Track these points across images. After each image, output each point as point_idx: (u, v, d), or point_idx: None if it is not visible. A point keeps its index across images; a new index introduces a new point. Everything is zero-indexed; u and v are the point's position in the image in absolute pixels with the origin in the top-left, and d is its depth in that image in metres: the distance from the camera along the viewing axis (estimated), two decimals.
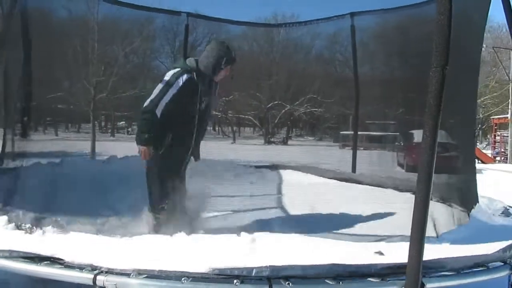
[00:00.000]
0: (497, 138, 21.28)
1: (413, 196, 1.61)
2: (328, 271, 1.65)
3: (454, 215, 2.46)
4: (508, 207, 3.15)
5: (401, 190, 3.66)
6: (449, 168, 2.88)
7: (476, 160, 18.61)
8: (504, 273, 1.92)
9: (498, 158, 20.03)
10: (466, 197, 2.65)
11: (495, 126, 21.46)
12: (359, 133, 6.06)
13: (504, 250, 1.93)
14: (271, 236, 1.94)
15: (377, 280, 1.70)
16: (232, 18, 5.80)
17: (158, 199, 2.63)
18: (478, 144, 30.46)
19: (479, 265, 1.87)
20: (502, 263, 1.95)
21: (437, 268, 1.76)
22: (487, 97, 29.69)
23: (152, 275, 1.60)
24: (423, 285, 1.68)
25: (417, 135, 16.44)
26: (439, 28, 1.60)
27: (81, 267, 1.65)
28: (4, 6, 3.55)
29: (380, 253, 1.86)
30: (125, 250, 1.77)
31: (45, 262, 1.71)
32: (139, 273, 1.61)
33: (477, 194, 2.86)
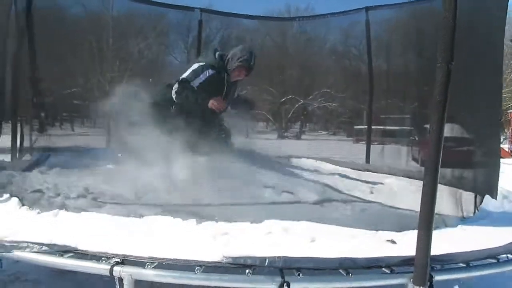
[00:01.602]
0: None
1: None
2: (339, 264, 1.68)
3: (465, 205, 2.46)
4: None
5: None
6: (466, 161, 2.86)
7: None
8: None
9: None
10: (484, 189, 2.63)
11: None
12: (374, 127, 6.08)
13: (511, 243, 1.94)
14: (283, 224, 1.96)
15: (387, 272, 1.72)
16: (245, 11, 5.85)
17: None
18: None
19: (489, 257, 1.88)
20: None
21: (446, 261, 1.78)
22: (505, 90, 29.30)
23: (166, 264, 1.65)
24: (431, 277, 1.71)
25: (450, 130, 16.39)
26: (445, 24, 1.61)
27: (97, 257, 1.70)
28: (18, 4, 3.63)
29: (392, 241, 1.88)
30: (139, 237, 1.81)
31: (60, 252, 1.76)
32: (152, 262, 1.66)
33: (497, 187, 2.84)
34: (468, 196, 2.48)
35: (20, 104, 3.89)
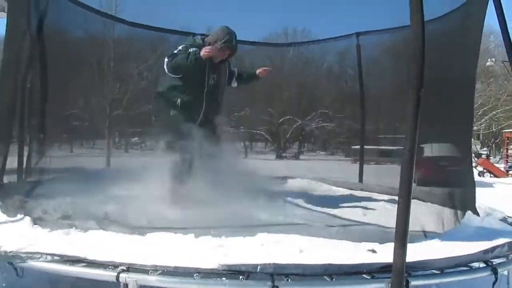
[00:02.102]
0: (510, 152, 21.22)
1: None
2: (323, 270, 1.86)
3: (445, 219, 2.65)
4: (508, 217, 3.31)
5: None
6: (445, 178, 3.07)
7: (489, 174, 18.51)
8: (485, 274, 2.11)
9: (511, 172, 19.93)
10: (461, 203, 2.83)
11: (507, 140, 21.42)
12: (370, 147, 6.27)
13: (485, 251, 2.12)
14: (275, 237, 2.15)
15: (368, 278, 1.90)
16: (244, 33, 6.11)
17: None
18: (491, 157, 30.29)
19: (462, 265, 2.06)
20: (485, 264, 2.14)
21: (422, 267, 1.96)
22: (499, 110, 29.69)
23: (168, 271, 1.83)
24: (407, 282, 1.89)
25: (427, 150, 16.44)
26: (414, 53, 1.82)
27: (105, 265, 1.88)
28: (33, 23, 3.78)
29: (373, 251, 2.06)
30: (143, 248, 2.00)
31: (71, 262, 1.94)
32: (156, 270, 1.84)
33: (474, 202, 3.04)
34: (448, 213, 2.67)
35: (26, 126, 4.06)
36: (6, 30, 3.49)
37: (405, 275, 1.88)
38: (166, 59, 3.52)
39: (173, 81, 3.56)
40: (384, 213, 3.25)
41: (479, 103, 30.98)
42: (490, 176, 18.48)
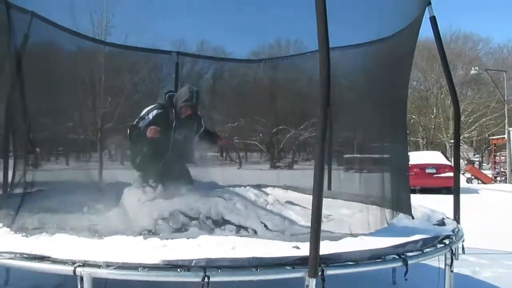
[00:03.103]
0: (498, 158, 21.66)
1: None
2: (248, 262, 2.20)
3: (371, 220, 3.00)
4: (446, 218, 3.66)
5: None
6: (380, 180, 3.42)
7: (476, 181, 18.86)
8: (398, 264, 2.46)
9: (498, 178, 20.33)
10: (392, 206, 3.18)
11: (495, 146, 21.86)
12: (358, 156, 6.55)
13: (396, 246, 2.46)
14: (214, 239, 2.49)
15: (289, 268, 2.24)
16: (237, 43, 6.45)
17: None
18: (484, 164, 30.70)
19: (375, 257, 2.40)
20: (398, 256, 2.48)
21: (335, 259, 2.30)
22: (488, 117, 30.18)
23: (116, 266, 2.17)
24: (323, 271, 2.22)
25: (412, 157, 16.71)
26: (321, 78, 2.17)
27: (64, 262, 2.22)
28: (14, 43, 4.07)
29: (297, 247, 2.39)
30: (99, 248, 2.34)
31: (38, 259, 2.28)
32: (107, 265, 2.17)
33: (408, 205, 3.39)
34: (376, 215, 3.02)
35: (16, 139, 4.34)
36: None
37: (322, 265, 2.23)
38: (128, 130, 3.99)
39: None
40: (332, 217, 3.58)
41: (469, 110, 31.48)
42: (478, 183, 18.86)
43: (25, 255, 2.29)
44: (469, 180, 19.02)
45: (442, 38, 3.81)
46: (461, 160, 24.93)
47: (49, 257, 2.27)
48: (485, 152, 34.52)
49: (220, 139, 4.77)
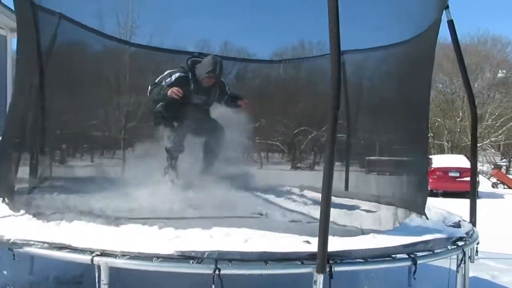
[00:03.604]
0: None
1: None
2: (259, 256, 2.26)
3: (383, 219, 3.02)
4: (462, 220, 3.65)
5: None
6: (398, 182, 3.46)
7: (502, 185, 18.43)
8: (406, 263, 2.49)
9: None
10: (405, 206, 3.21)
11: None
12: (378, 158, 6.53)
13: (406, 245, 2.49)
14: (226, 230, 2.56)
15: (298, 263, 2.30)
16: (261, 45, 6.52)
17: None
18: None
19: (384, 256, 2.44)
20: (407, 255, 2.50)
21: (345, 256, 2.34)
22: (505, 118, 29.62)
23: (132, 256, 2.26)
24: (331, 267, 2.27)
25: (436, 160, 16.45)
26: (332, 80, 2.22)
27: (83, 251, 2.33)
28: (43, 43, 4.22)
29: (308, 242, 2.43)
30: (116, 237, 2.44)
31: (58, 248, 2.39)
32: (123, 254, 2.27)
33: (423, 206, 3.40)
34: (389, 213, 3.04)
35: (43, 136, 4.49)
36: (17, 49, 3.98)
37: (331, 262, 2.28)
38: (149, 88, 4.10)
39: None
40: (345, 214, 3.61)
41: (496, 113, 30.80)
42: (504, 188, 18.45)
43: (46, 244, 2.40)
44: (494, 185, 18.63)
45: (470, 41, 3.89)
46: (488, 165, 24.44)
47: (69, 246, 2.38)
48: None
49: (242, 102, 4.63)
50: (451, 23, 3.68)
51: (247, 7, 6.17)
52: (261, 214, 3.45)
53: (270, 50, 7.95)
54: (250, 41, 6.93)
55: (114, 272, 2.32)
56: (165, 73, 4.20)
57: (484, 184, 17.42)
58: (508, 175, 21.54)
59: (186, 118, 4.09)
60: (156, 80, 4.17)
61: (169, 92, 3.96)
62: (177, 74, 4.13)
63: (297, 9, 6.18)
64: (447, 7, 3.69)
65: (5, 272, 3.24)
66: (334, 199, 4.91)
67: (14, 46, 8.36)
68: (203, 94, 4.25)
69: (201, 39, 6.81)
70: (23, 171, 3.71)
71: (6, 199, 3.26)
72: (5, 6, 7.85)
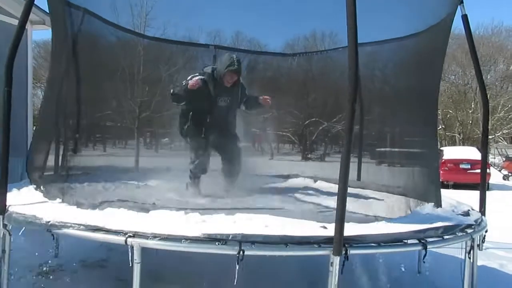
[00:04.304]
0: None
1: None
2: (280, 239, 2.44)
3: (396, 207, 3.18)
4: (472, 209, 3.78)
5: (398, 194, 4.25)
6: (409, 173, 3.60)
7: None
8: (417, 248, 2.65)
9: None
10: (417, 196, 3.35)
11: None
12: (389, 149, 6.65)
13: (417, 231, 2.64)
14: (249, 216, 2.73)
15: (316, 246, 2.47)
16: (272, 35, 6.62)
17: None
18: None
19: (397, 241, 2.60)
20: (417, 241, 2.66)
21: (359, 240, 2.50)
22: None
23: (162, 237, 2.45)
24: (346, 250, 2.43)
25: (447, 152, 16.43)
26: (349, 74, 2.37)
27: (117, 232, 2.52)
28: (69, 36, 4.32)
29: (324, 227, 2.60)
30: (147, 221, 2.62)
31: (94, 230, 2.59)
32: (154, 236, 2.46)
33: (435, 195, 3.53)
34: (401, 201, 3.19)
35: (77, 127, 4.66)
36: (52, 43, 4.14)
37: (346, 245, 2.44)
38: (171, 90, 4.31)
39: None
40: (359, 203, 3.77)
41: (509, 106, 30.58)
42: None
43: (82, 226, 2.60)
44: (506, 177, 18.61)
45: (484, 31, 3.96)
46: (499, 157, 24.33)
47: (103, 228, 2.57)
48: None
49: (263, 99, 4.73)
50: (465, 18, 3.77)
51: None
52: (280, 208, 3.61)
53: (282, 41, 8.01)
54: (262, 32, 6.99)
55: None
56: (188, 78, 4.32)
57: (495, 176, 17.42)
58: None
59: (211, 121, 4.29)
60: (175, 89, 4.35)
61: (189, 83, 4.10)
62: (197, 76, 4.25)
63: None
64: (462, 1, 3.78)
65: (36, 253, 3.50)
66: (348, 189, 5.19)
67: (34, 38, 8.56)
68: (227, 95, 4.36)
69: (214, 29, 6.95)
70: (58, 161, 3.93)
71: (41, 187, 3.45)
72: None
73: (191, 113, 4.26)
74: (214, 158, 4.48)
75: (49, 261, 3.90)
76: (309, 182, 5.26)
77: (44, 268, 3.81)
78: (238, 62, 4.29)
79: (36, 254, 3.80)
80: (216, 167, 4.53)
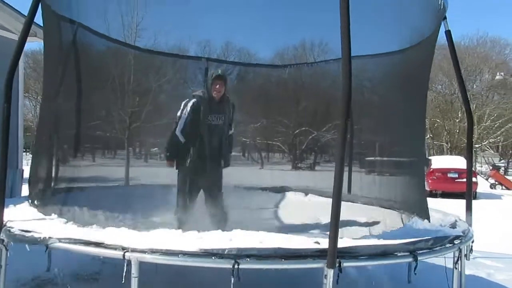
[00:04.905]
0: None
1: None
2: (273, 252, 2.50)
3: (388, 221, 3.27)
4: (458, 220, 3.88)
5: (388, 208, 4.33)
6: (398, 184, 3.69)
7: (500, 186, 18.64)
8: (408, 260, 2.73)
9: None
10: (408, 209, 3.45)
11: None
12: (378, 159, 6.74)
13: (407, 243, 2.73)
14: (245, 233, 2.79)
15: (310, 259, 2.53)
16: (262, 45, 6.69)
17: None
18: (510, 170, 30.24)
19: (388, 252, 2.67)
20: (409, 253, 2.74)
21: (352, 253, 2.58)
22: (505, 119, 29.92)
23: (160, 252, 2.50)
24: (340, 263, 2.50)
25: (435, 161, 16.62)
26: (343, 90, 2.45)
27: (115, 248, 2.56)
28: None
29: (317, 243, 2.67)
30: (145, 238, 2.67)
31: (93, 245, 2.63)
32: (152, 251, 2.51)
33: (424, 209, 3.63)
34: (392, 215, 3.28)
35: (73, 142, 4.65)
36: (44, 55, 4.13)
37: (340, 258, 2.51)
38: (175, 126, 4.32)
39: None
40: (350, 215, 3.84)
41: (495, 115, 31.04)
42: (502, 188, 18.70)
43: (82, 241, 2.64)
44: (492, 186, 18.87)
45: (469, 42, 4.08)
46: (486, 165, 24.68)
47: (102, 243, 2.61)
48: (511, 157, 33.93)
49: None
50: (448, 33, 3.92)
51: (250, 6, 6.29)
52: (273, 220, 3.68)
53: (272, 50, 8.05)
54: (252, 40, 7.03)
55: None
56: (181, 107, 4.37)
57: (483, 185, 17.66)
58: (506, 176, 21.80)
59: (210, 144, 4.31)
60: (178, 114, 4.37)
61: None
62: (192, 100, 4.32)
63: (299, 9, 6.32)
64: (445, 18, 3.93)
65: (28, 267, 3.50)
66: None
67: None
68: (220, 112, 4.40)
69: (204, 39, 6.98)
70: (54, 176, 3.95)
71: (36, 202, 3.48)
72: (16, 11, 8.05)
73: (190, 133, 4.31)
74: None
75: (41, 275, 3.91)
76: (300, 196, 5.33)
77: (37, 282, 3.82)
78: (222, 71, 4.50)
79: (28, 267, 3.81)
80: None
